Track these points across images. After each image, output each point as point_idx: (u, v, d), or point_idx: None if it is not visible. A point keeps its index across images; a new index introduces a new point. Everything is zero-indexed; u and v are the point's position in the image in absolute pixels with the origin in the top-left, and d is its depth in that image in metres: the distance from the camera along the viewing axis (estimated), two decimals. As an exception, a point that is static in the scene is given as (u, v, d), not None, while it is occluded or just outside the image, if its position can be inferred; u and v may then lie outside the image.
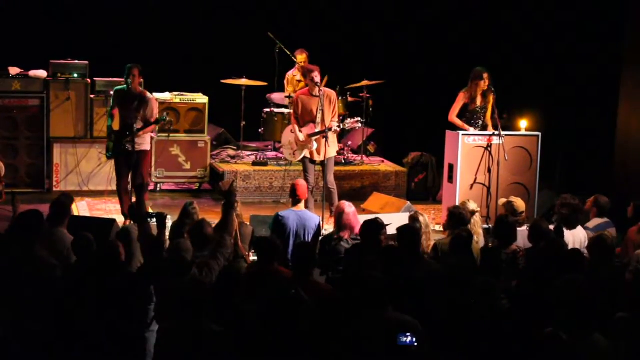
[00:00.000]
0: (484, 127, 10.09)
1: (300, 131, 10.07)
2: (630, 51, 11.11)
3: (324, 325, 5.62)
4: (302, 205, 8.38)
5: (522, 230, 8.02)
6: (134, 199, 9.77)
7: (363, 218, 8.03)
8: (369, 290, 5.47)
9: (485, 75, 10.01)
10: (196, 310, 5.39)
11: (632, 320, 5.70)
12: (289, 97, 12.15)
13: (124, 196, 9.88)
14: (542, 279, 6.36)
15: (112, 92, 10.12)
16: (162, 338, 5.58)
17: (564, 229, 7.88)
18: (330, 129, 9.96)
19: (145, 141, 9.85)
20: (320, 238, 8.28)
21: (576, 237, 8.11)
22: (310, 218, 8.28)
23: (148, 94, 9.91)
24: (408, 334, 4.97)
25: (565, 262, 6.62)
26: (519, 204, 8.60)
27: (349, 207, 7.93)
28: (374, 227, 7.22)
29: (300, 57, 12.29)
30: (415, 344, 5.01)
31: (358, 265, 6.39)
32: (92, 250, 6.32)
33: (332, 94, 10.17)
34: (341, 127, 10.21)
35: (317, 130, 9.96)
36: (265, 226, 8.58)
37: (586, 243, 8.00)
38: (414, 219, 7.84)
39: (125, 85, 9.77)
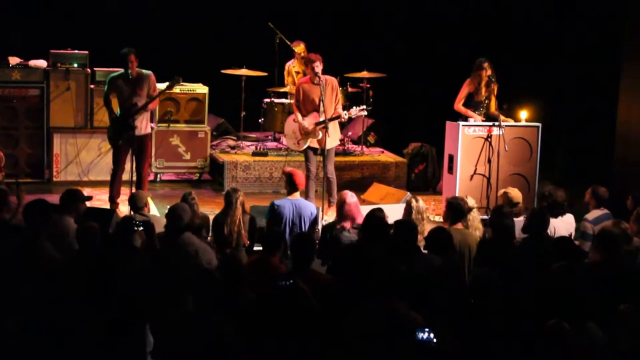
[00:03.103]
0: (491, 120, 10.05)
1: (304, 120, 10.05)
2: (630, 42, 11.09)
3: (323, 315, 5.63)
4: (297, 194, 8.38)
5: (519, 221, 8.03)
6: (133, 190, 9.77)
7: (364, 208, 8.03)
8: (374, 281, 5.49)
9: (486, 65, 10.00)
10: (202, 300, 5.40)
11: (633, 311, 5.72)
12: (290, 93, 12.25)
13: (117, 184, 9.87)
14: (536, 269, 6.39)
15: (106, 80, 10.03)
16: (165, 328, 5.59)
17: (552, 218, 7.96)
18: (337, 117, 9.95)
19: (146, 125, 9.83)
20: (321, 226, 8.28)
21: (569, 225, 8.17)
22: (305, 206, 8.28)
23: (144, 71, 9.87)
24: (426, 330, 4.89)
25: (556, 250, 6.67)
26: (515, 194, 8.60)
27: (351, 197, 7.88)
28: (379, 223, 7.21)
29: (299, 49, 12.28)
30: (433, 339, 4.92)
31: (361, 258, 6.41)
32: (97, 241, 6.33)
33: (333, 80, 10.14)
34: (347, 115, 10.21)
35: (321, 119, 9.94)
36: (264, 216, 8.59)
37: (573, 231, 8.10)
38: (408, 204, 7.84)
39: (121, 71, 9.76)
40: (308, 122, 10.03)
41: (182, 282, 6.09)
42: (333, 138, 10.10)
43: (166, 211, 8.79)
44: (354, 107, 10.42)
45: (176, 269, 6.40)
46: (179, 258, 6.51)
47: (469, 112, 10.05)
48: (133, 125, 9.57)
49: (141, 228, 6.66)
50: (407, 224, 7.06)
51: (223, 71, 12.29)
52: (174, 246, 6.61)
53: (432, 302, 5.91)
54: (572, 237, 8.12)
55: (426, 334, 4.84)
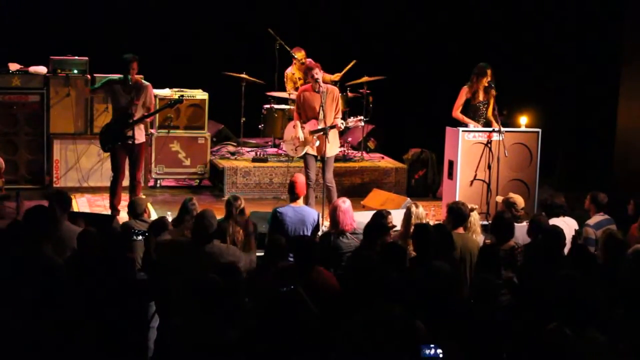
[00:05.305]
0: (487, 124, 10.07)
1: (302, 127, 10.04)
2: (630, 48, 11.12)
3: (325, 320, 5.62)
4: (300, 201, 8.39)
5: (522, 226, 8.04)
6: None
7: (363, 214, 8.04)
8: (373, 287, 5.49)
9: (489, 72, 10.03)
10: (208, 308, 5.39)
11: (629, 316, 5.71)
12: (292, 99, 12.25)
13: (118, 190, 9.88)
14: (541, 273, 6.38)
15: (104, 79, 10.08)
16: (167, 334, 5.58)
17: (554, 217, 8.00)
18: (334, 126, 9.95)
19: (141, 133, 9.85)
20: (321, 233, 8.29)
21: (570, 227, 8.19)
22: (308, 214, 8.28)
23: (144, 82, 9.90)
24: (432, 346, 4.80)
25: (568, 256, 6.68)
26: (518, 200, 8.60)
27: (342, 202, 7.92)
28: (379, 227, 7.22)
29: (299, 55, 12.29)
30: (440, 355, 4.84)
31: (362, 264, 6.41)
32: (95, 245, 6.32)
33: (335, 90, 10.14)
34: (344, 125, 10.21)
35: (319, 127, 9.94)
36: (265, 222, 8.59)
37: (574, 232, 8.19)
38: (408, 209, 7.86)
39: (121, 77, 9.77)
40: (305, 130, 10.02)
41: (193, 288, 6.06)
42: (332, 147, 10.10)
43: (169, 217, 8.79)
44: (351, 117, 10.43)
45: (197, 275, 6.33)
46: (206, 265, 6.48)
47: (467, 120, 10.05)
48: (129, 136, 9.59)
49: (139, 237, 6.66)
50: (424, 228, 7.07)
51: (224, 73, 12.24)
52: (201, 253, 6.58)
53: (438, 311, 5.89)
54: (574, 238, 8.15)
55: (433, 350, 4.74)
